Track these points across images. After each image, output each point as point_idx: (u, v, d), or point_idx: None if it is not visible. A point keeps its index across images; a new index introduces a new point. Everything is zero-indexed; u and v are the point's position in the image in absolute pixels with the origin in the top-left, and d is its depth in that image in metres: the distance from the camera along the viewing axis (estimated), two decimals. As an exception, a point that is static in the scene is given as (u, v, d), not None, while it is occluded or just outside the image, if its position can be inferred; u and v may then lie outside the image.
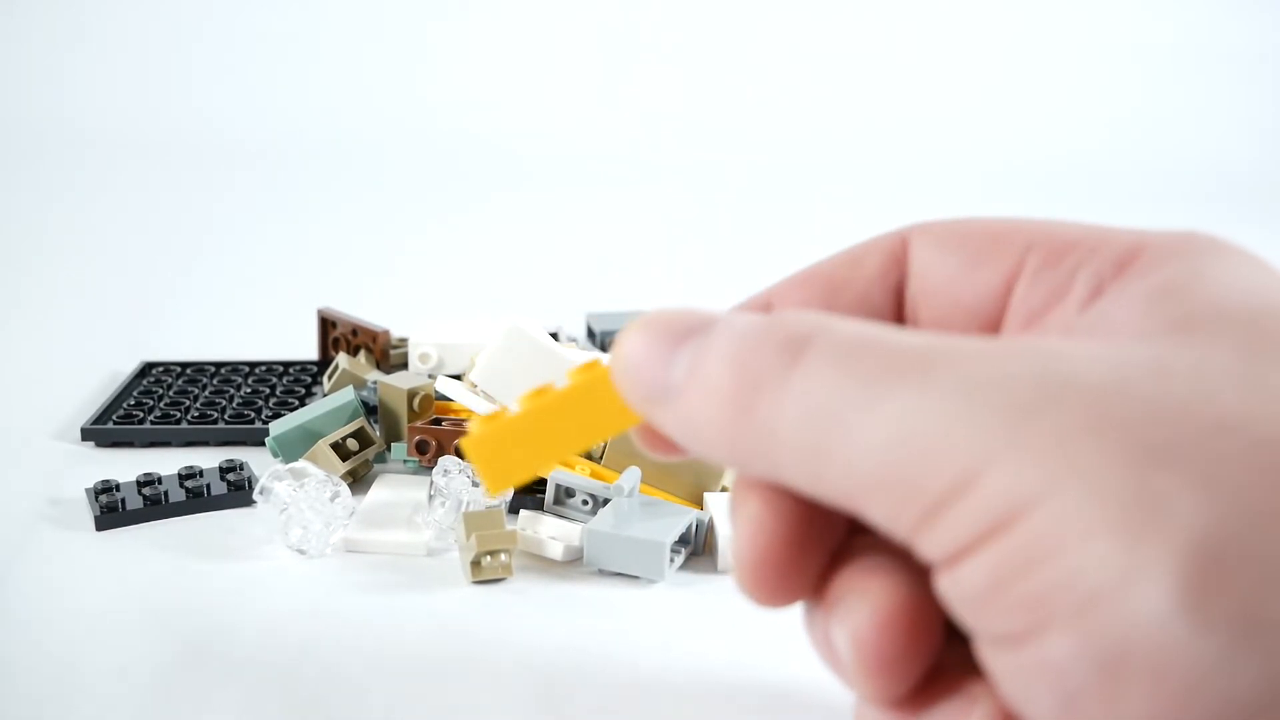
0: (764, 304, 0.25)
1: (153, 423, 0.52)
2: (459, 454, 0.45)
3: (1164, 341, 0.18)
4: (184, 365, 0.60)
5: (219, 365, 0.60)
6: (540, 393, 0.22)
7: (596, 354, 0.54)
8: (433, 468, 0.43)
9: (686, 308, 0.21)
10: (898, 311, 0.24)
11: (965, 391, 0.17)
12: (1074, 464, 0.16)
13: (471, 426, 0.23)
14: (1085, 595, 0.15)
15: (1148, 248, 0.20)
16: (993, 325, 0.22)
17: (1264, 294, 0.19)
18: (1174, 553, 0.15)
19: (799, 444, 0.18)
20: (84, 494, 0.45)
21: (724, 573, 0.41)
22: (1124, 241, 0.21)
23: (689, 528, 0.41)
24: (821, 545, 0.21)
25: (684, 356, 0.20)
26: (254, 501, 0.42)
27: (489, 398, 0.47)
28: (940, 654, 0.20)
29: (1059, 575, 0.16)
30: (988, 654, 0.18)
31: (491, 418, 0.23)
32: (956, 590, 0.17)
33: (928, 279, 0.23)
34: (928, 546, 0.17)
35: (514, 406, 0.23)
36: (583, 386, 0.22)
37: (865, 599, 0.20)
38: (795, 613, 0.39)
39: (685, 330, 0.20)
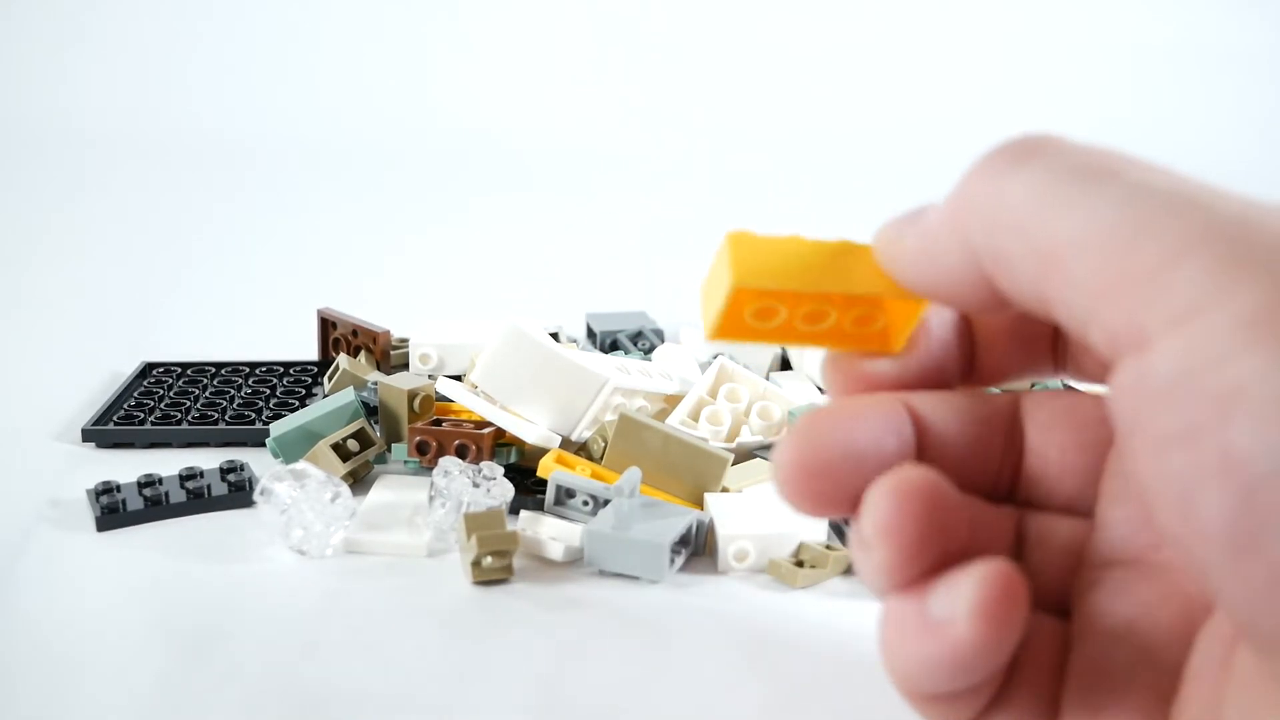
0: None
1: (153, 423, 0.52)
2: (460, 455, 0.45)
3: None
4: (184, 366, 0.60)
5: (219, 366, 0.60)
6: (800, 239, 0.24)
7: (597, 355, 0.54)
8: (433, 469, 0.43)
9: None
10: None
11: (1172, 191, 0.19)
12: (1268, 266, 0.17)
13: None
14: (1223, 407, 0.16)
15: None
16: None
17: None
18: None
19: (1021, 203, 0.20)
20: (85, 495, 0.45)
21: (725, 573, 0.41)
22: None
23: (689, 528, 0.41)
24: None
25: (928, 210, 0.22)
26: (254, 502, 0.42)
27: (489, 398, 0.47)
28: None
29: (1250, 368, 0.16)
30: (1153, 457, 0.18)
31: (748, 233, 0.24)
32: (1143, 382, 0.18)
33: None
34: (1124, 322, 0.18)
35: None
36: (849, 245, 0.24)
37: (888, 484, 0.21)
38: (795, 614, 0.39)
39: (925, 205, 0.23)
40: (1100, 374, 0.22)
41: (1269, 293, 0.17)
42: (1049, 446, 0.24)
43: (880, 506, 0.21)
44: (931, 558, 0.21)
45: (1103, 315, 0.18)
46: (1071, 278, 0.19)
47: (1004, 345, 0.25)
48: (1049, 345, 0.25)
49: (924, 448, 0.23)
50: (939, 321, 0.24)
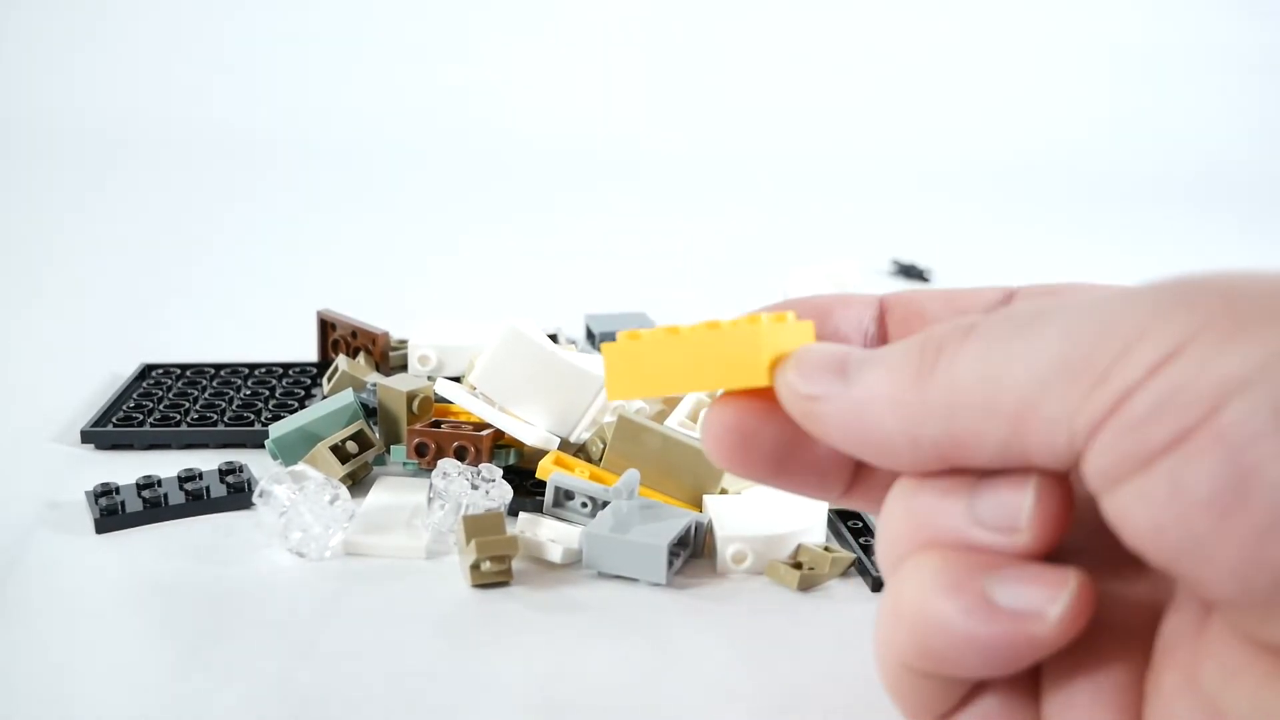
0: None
1: (152, 425, 0.52)
2: (458, 456, 0.45)
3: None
4: (184, 367, 0.60)
5: (218, 367, 0.60)
6: (694, 328, 0.24)
7: (596, 356, 0.54)
8: (432, 470, 0.43)
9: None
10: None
11: (1121, 298, 0.20)
12: (1209, 316, 0.19)
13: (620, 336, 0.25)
14: (1248, 374, 0.18)
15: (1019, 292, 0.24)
16: None
17: None
18: None
19: (978, 382, 0.21)
20: (84, 496, 0.45)
21: (723, 574, 0.41)
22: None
23: (688, 530, 0.41)
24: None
25: (856, 366, 0.23)
26: (253, 504, 0.42)
27: (488, 399, 0.47)
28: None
29: (1226, 370, 0.18)
30: (1150, 482, 0.19)
31: (636, 333, 0.25)
32: (1126, 426, 0.19)
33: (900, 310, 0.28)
34: (1095, 406, 0.19)
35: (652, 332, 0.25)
36: (731, 333, 0.24)
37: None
38: (795, 615, 0.39)
39: (846, 351, 0.23)
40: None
41: (1217, 330, 0.18)
42: None
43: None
44: None
45: (1081, 420, 0.19)
46: (1044, 416, 0.20)
47: None
48: None
49: None
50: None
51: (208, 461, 0.49)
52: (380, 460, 0.49)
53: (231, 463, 0.47)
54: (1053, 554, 0.21)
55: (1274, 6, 1.60)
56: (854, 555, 0.42)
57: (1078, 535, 0.22)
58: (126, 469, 0.48)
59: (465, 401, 0.47)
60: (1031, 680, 0.22)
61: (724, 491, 0.45)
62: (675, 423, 0.48)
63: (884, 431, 0.22)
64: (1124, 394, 0.19)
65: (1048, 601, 0.20)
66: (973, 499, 0.21)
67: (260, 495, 0.42)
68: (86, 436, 0.51)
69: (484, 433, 0.45)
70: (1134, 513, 0.19)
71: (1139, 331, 0.19)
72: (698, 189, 1.24)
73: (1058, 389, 0.20)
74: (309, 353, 0.62)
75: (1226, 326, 0.19)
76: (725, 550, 0.41)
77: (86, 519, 0.44)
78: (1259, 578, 0.18)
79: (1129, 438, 0.19)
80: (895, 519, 0.22)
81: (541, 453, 0.46)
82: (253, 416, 0.53)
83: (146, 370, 0.60)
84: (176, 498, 0.45)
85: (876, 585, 0.40)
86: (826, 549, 0.41)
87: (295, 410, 0.54)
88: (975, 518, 0.21)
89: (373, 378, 0.53)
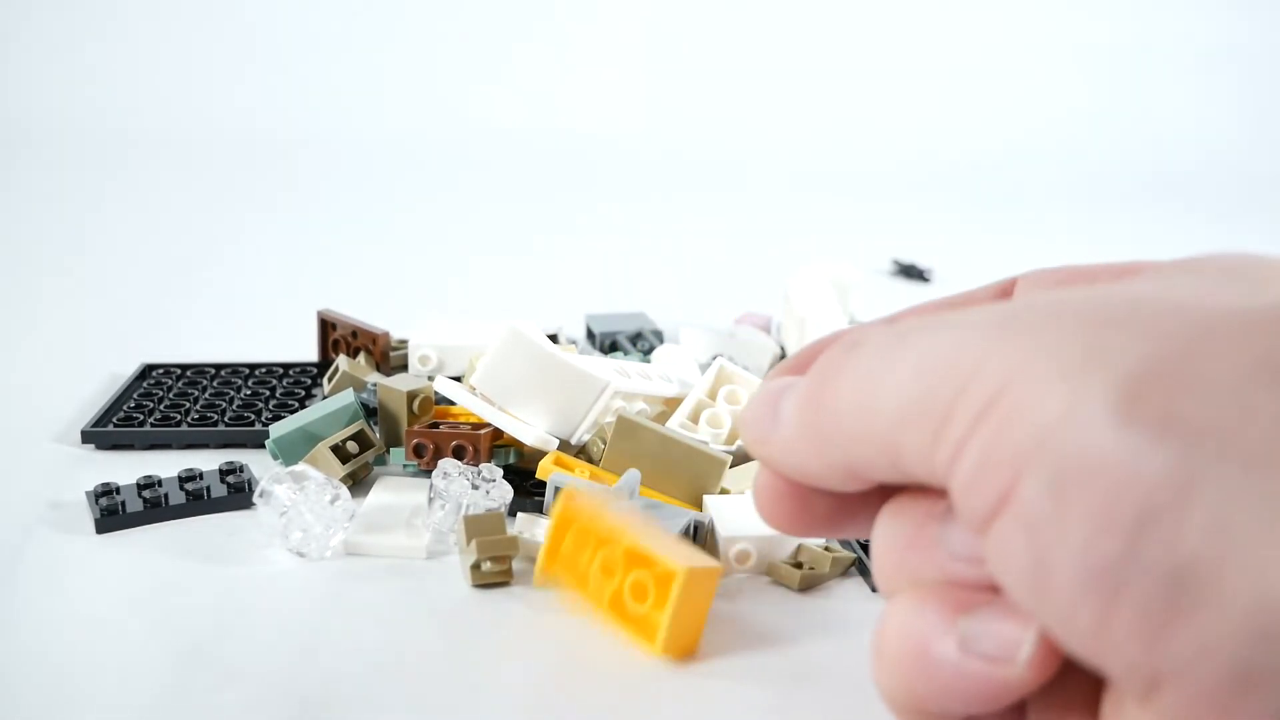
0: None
1: (153, 425, 0.52)
2: (457, 455, 0.45)
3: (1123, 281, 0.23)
4: (184, 367, 0.60)
5: (219, 367, 0.60)
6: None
7: (597, 358, 0.54)
8: (431, 471, 0.43)
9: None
10: None
11: (964, 326, 0.20)
12: (1038, 344, 0.19)
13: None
14: (1041, 436, 0.18)
15: (1144, 268, 0.23)
16: None
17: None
18: (1110, 382, 0.18)
19: (853, 410, 0.21)
20: (84, 496, 0.45)
21: (724, 574, 0.41)
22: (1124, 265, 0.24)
23: (688, 529, 0.41)
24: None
25: (783, 402, 0.23)
26: (254, 504, 0.42)
27: (488, 400, 0.47)
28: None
29: (1026, 429, 0.18)
30: (987, 548, 0.19)
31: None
32: (961, 487, 0.19)
33: None
34: (941, 454, 0.19)
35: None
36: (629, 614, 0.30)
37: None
38: (795, 615, 0.39)
39: (783, 386, 0.24)
40: None
41: (1047, 358, 0.19)
42: None
43: None
44: None
45: (935, 464, 0.20)
46: (908, 454, 0.20)
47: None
48: None
49: None
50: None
51: (208, 461, 0.49)
52: (381, 460, 0.49)
53: (232, 463, 0.47)
54: None
55: (1274, 7, 1.60)
56: (854, 555, 0.42)
57: None
58: (127, 469, 0.48)
59: (464, 400, 0.47)
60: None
61: (724, 491, 0.45)
62: (676, 424, 0.48)
63: (809, 465, 0.23)
64: (958, 446, 0.19)
65: (1015, 646, 0.20)
66: (943, 529, 0.21)
67: (261, 495, 0.42)
68: (87, 436, 0.51)
69: (482, 432, 0.45)
70: (992, 566, 0.19)
71: (974, 366, 0.19)
72: (698, 189, 1.24)
73: (913, 426, 0.20)
74: (309, 353, 0.62)
75: (1040, 369, 0.18)
76: (727, 550, 0.41)
77: (87, 519, 0.44)
78: (1079, 642, 0.18)
79: (965, 498, 0.19)
80: (879, 551, 0.23)
81: (541, 453, 0.46)
82: (253, 416, 0.53)
83: (147, 370, 0.60)
84: (177, 498, 0.45)
85: (876, 586, 0.40)
86: (827, 549, 0.41)
87: (295, 410, 0.54)
88: (949, 551, 0.21)
89: (373, 378, 0.53)
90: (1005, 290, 0.27)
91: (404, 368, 0.59)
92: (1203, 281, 0.21)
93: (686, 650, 0.35)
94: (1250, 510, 0.16)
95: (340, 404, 0.48)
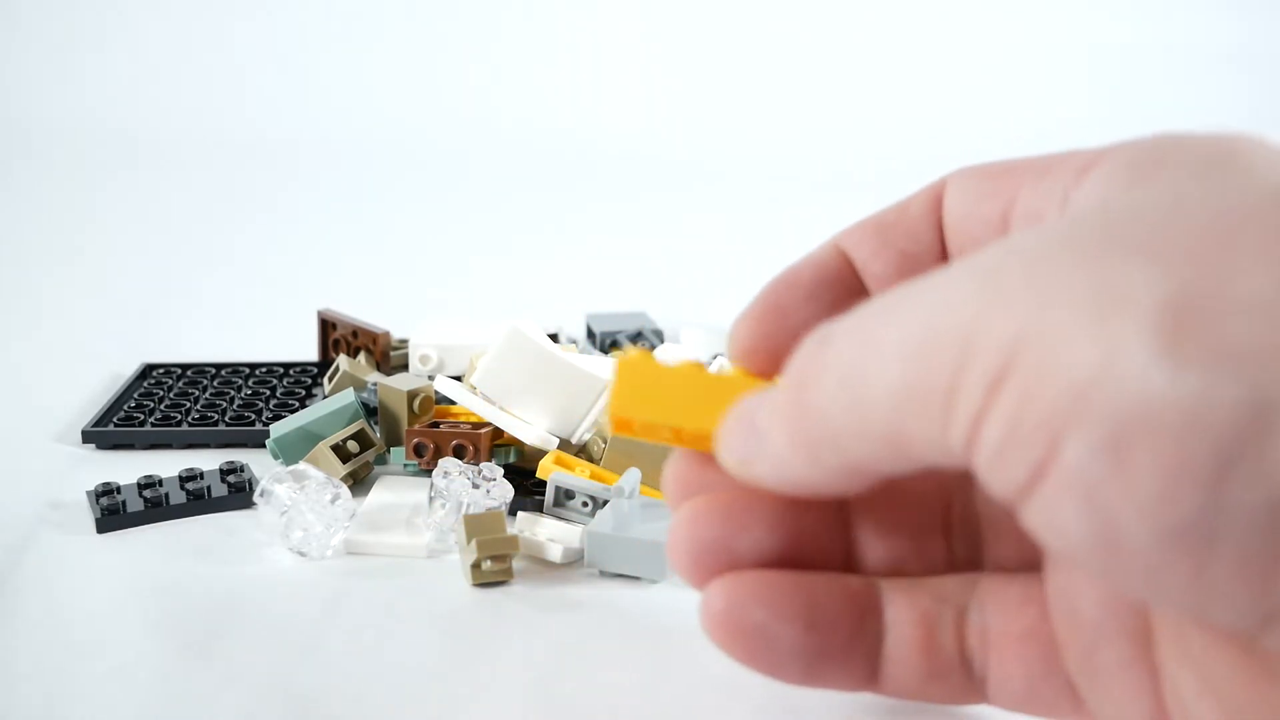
0: (830, 250, 0.27)
1: (153, 425, 0.52)
2: (457, 455, 0.45)
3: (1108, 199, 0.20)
4: (184, 367, 0.60)
5: (219, 367, 0.60)
6: (700, 366, 0.25)
7: (598, 357, 0.54)
8: (432, 470, 0.43)
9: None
10: (940, 248, 0.26)
11: (943, 289, 0.19)
12: (1042, 293, 0.17)
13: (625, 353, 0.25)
14: (1080, 392, 0.16)
15: (1107, 154, 0.22)
16: None
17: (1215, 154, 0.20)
18: (1142, 321, 0.16)
19: (843, 409, 0.20)
20: (85, 496, 0.45)
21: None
22: (1089, 153, 0.22)
23: (689, 529, 0.41)
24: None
25: (760, 416, 0.23)
26: (255, 504, 0.42)
27: (489, 400, 0.47)
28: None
29: (1058, 389, 0.16)
30: (1028, 518, 0.18)
31: (647, 356, 0.25)
32: (987, 463, 0.18)
33: (953, 216, 0.25)
34: (955, 434, 0.18)
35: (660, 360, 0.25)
36: (732, 379, 0.24)
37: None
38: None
39: (755, 402, 0.23)
40: None
41: (1057, 310, 0.17)
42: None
43: None
44: None
45: (949, 444, 0.19)
46: (915, 440, 0.19)
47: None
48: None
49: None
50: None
51: (209, 461, 0.49)
52: (381, 459, 0.49)
53: (233, 462, 0.47)
54: None
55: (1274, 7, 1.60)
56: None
57: None
58: (127, 469, 0.48)
59: (465, 399, 0.47)
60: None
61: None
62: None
63: (807, 476, 0.22)
64: (975, 422, 0.18)
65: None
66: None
67: (261, 494, 0.42)
68: (87, 436, 0.51)
69: (482, 431, 0.45)
70: (1038, 534, 0.18)
71: (969, 333, 0.18)
72: (698, 188, 1.24)
73: (914, 412, 0.18)
74: (309, 353, 0.62)
75: (1054, 320, 0.17)
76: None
77: (88, 519, 0.44)
78: (1170, 597, 0.17)
79: (994, 476, 0.18)
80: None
81: (541, 452, 0.46)
82: (253, 416, 0.53)
83: (147, 370, 0.60)
84: (178, 497, 0.45)
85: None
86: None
87: (296, 410, 0.54)
88: None
89: (373, 377, 0.53)
90: (936, 194, 0.26)
91: (404, 367, 0.59)
92: (1192, 181, 0.19)
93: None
94: None
95: (340, 404, 0.48)
